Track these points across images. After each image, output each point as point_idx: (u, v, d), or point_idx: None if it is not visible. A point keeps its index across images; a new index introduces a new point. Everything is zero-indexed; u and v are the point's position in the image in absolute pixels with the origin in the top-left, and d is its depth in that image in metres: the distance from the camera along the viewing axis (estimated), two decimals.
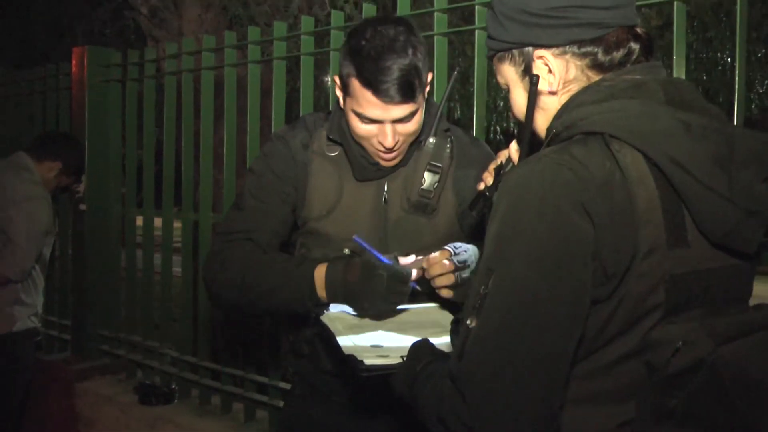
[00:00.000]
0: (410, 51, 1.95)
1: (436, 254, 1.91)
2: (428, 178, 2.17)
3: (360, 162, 2.14)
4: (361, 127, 2.03)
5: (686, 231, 1.31)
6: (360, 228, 2.14)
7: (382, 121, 2.00)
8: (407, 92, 1.95)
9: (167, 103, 3.90)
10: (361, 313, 1.95)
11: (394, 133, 2.02)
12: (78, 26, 8.08)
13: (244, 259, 2.12)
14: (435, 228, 2.18)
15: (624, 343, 1.31)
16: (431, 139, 2.16)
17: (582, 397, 1.33)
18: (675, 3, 2.38)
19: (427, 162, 2.17)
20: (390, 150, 2.05)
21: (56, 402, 4.20)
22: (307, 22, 3.26)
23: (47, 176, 3.98)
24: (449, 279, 1.90)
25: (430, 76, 2.05)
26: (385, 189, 2.18)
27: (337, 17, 3.15)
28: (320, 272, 1.99)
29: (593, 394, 1.34)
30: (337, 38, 3.11)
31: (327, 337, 1.87)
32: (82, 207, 4.24)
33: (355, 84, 1.97)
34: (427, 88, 2.05)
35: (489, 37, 1.50)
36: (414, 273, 1.93)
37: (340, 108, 2.14)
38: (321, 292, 1.98)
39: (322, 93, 3.29)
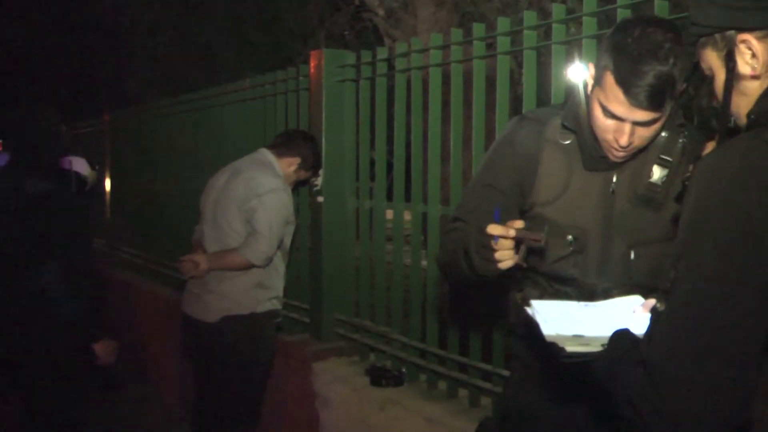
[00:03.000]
0: (671, 60, 1.92)
1: (651, 301, 1.83)
2: (657, 171, 2.15)
3: (590, 152, 2.17)
4: (602, 119, 2.04)
5: None
6: (585, 216, 2.18)
7: (623, 120, 2.00)
8: (656, 101, 1.94)
9: (398, 99, 4.01)
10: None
11: (631, 133, 2.02)
12: (320, 31, 8.48)
13: (452, 242, 2.23)
14: (661, 222, 2.16)
15: None
16: (663, 133, 2.14)
17: None
18: None
19: (657, 155, 2.15)
20: (622, 148, 2.06)
21: (295, 380, 4.43)
22: (529, 17, 3.26)
23: (287, 171, 4.22)
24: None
25: (682, 87, 2.00)
26: (614, 180, 2.18)
27: (558, 11, 3.15)
28: None
29: None
30: (558, 31, 3.11)
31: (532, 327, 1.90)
32: (320, 199, 4.43)
33: (609, 78, 1.97)
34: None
35: (691, 22, 1.47)
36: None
37: (583, 96, 2.16)
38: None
39: (544, 86, 3.28)
